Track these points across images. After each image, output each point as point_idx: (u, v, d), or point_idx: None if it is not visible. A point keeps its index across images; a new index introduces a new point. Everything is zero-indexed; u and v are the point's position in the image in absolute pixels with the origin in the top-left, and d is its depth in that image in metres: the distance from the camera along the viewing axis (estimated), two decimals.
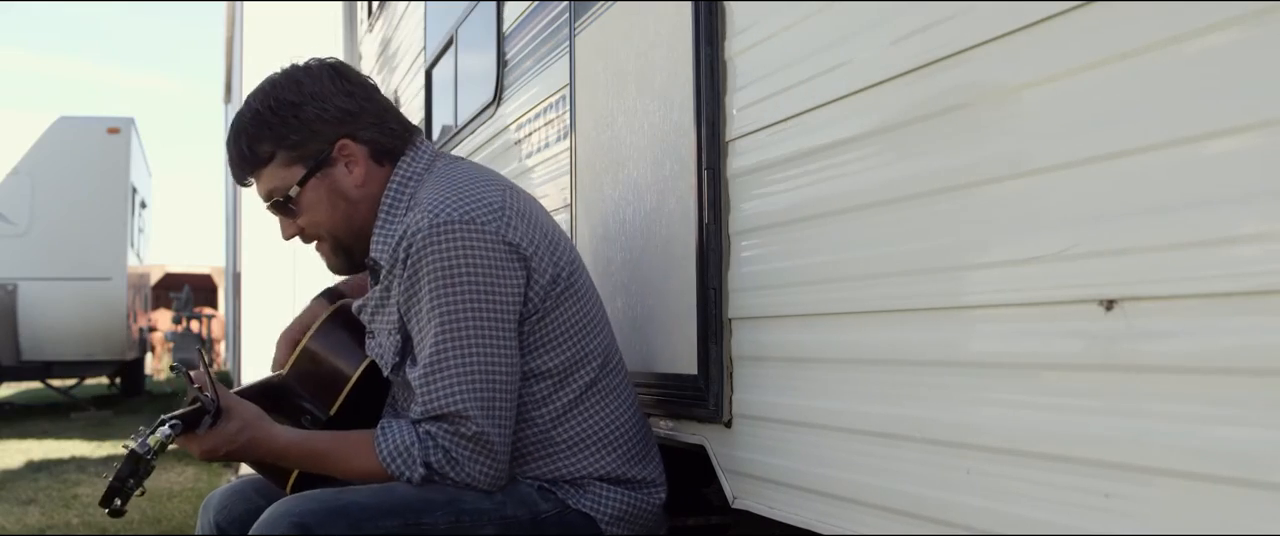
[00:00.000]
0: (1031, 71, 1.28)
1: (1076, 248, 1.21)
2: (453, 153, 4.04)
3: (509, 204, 1.81)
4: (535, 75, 3.11)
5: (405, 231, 1.76)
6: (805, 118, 1.74)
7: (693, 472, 2.16)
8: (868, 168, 1.58)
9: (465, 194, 1.79)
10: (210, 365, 1.70)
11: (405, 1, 5.79)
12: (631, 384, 2.01)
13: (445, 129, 4.42)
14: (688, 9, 2.08)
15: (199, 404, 1.73)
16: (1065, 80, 1.23)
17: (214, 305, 21.16)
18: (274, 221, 1.99)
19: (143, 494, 1.70)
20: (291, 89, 1.88)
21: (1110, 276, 1.16)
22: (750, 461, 1.92)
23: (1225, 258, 1.05)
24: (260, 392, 1.96)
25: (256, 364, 7.77)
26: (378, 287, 1.87)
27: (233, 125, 1.93)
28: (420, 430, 1.75)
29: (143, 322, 13.24)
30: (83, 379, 11.57)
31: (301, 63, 1.93)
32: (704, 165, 2.02)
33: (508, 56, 3.39)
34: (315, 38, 7.97)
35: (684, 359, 2.09)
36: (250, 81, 7.61)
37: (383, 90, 2.01)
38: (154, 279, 16.67)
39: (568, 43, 2.79)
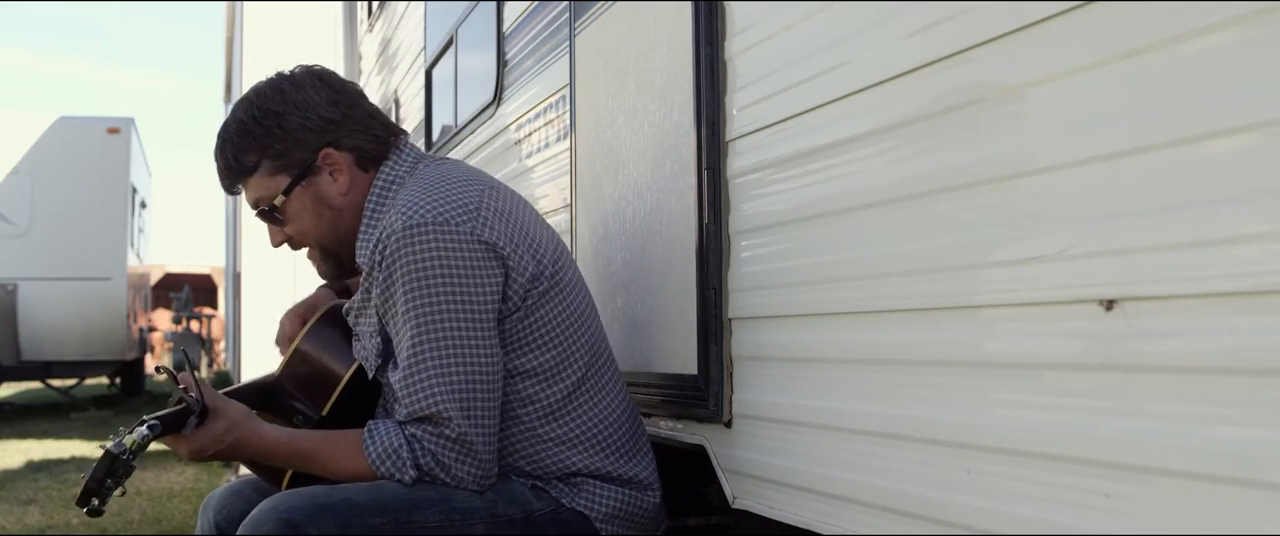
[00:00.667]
0: (1032, 71, 1.28)
1: (1076, 247, 1.21)
2: (450, 153, 4.06)
3: (485, 203, 1.81)
4: (535, 75, 3.11)
5: (381, 235, 1.77)
6: (805, 118, 1.74)
7: (693, 472, 2.16)
8: (868, 167, 1.58)
9: (440, 195, 1.79)
10: (199, 366, 1.72)
11: (405, 1, 5.79)
12: (623, 381, 2.00)
13: (445, 129, 4.42)
14: (688, 9, 2.08)
15: (184, 404, 1.73)
16: (1066, 80, 1.23)
17: (214, 305, 21.15)
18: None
19: (123, 494, 1.70)
20: (275, 98, 1.89)
21: (1110, 276, 1.16)
22: (750, 461, 1.92)
23: (1225, 257, 1.05)
24: (252, 393, 1.97)
25: (256, 364, 7.77)
26: (360, 291, 1.88)
27: (219, 135, 1.94)
28: (407, 432, 1.75)
29: (143, 322, 13.24)
30: (83, 379, 11.57)
31: (287, 71, 1.94)
32: (704, 165, 2.02)
33: (508, 56, 3.39)
34: (315, 38, 7.98)
35: (684, 359, 2.09)
36: (250, 81, 7.58)
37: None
38: (154, 279, 16.67)
39: (568, 43, 2.79)
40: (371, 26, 7.25)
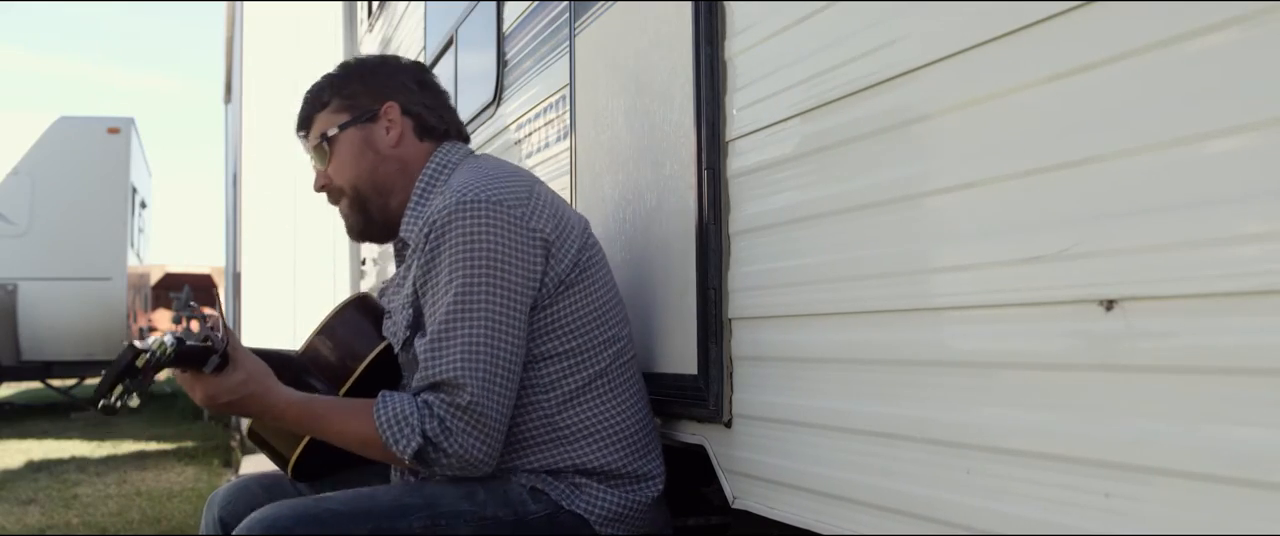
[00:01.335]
0: (1033, 71, 1.28)
1: (1076, 248, 1.21)
2: None
3: (536, 194, 1.88)
4: (535, 75, 3.11)
5: (431, 213, 1.81)
6: (805, 118, 1.74)
7: (693, 472, 2.16)
8: (868, 167, 1.58)
9: (494, 180, 1.85)
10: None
11: (405, 1, 5.79)
12: (642, 380, 2.03)
13: None
14: (688, 9, 2.08)
15: (210, 342, 1.71)
16: (1066, 80, 1.23)
17: (214, 305, 21.13)
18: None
19: (137, 405, 1.66)
20: (373, 59, 2.11)
21: (1110, 276, 1.16)
22: (750, 461, 1.92)
23: (1225, 257, 1.05)
24: (274, 360, 1.96)
25: None
26: (401, 268, 1.93)
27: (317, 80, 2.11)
28: (419, 400, 1.75)
29: (143, 322, 13.24)
30: (83, 379, 11.56)
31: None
32: (704, 165, 2.02)
33: (507, 56, 3.39)
34: (315, 38, 7.96)
35: (684, 359, 2.09)
36: (250, 81, 7.60)
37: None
38: (154, 279, 16.66)
39: (568, 43, 2.79)
40: (371, 26, 7.24)
